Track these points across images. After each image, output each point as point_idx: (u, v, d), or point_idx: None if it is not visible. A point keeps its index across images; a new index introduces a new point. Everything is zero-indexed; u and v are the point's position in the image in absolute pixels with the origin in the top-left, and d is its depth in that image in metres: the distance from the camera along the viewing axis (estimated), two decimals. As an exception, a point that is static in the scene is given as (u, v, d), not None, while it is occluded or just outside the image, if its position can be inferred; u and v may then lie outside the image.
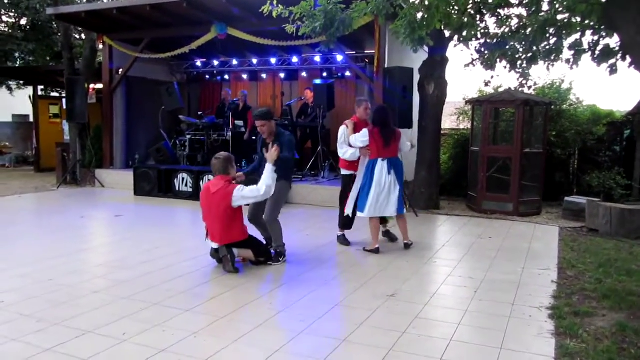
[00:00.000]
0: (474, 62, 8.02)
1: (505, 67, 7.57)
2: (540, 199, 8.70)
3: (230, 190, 4.99)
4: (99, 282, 4.71)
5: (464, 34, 5.59)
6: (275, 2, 5.73)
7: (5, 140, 18.49)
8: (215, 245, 5.21)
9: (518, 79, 8.52)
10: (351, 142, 6.01)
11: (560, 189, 9.59)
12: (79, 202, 9.57)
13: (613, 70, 5.45)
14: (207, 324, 3.72)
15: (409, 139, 8.28)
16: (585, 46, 5.83)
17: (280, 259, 5.41)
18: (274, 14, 5.73)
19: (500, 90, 9.65)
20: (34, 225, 7.29)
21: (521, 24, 5.87)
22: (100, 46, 11.52)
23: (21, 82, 16.47)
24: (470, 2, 8.39)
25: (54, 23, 13.95)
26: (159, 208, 8.91)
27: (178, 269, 5.12)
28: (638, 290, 4.46)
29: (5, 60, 14.48)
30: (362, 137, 5.98)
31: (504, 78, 12.16)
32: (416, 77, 8.94)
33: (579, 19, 5.10)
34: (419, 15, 5.32)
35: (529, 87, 9.41)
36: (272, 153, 5.07)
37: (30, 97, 15.11)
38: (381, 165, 5.90)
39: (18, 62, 16.38)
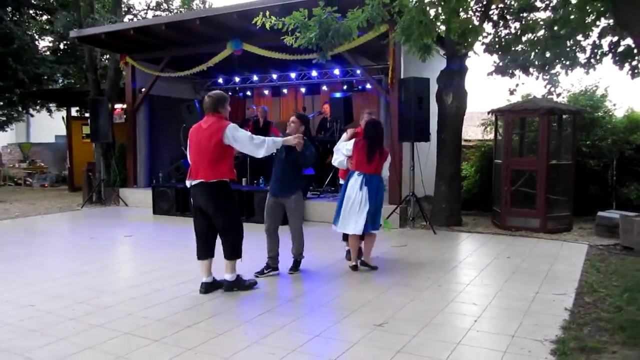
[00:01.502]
0: (494, 71, 7.56)
1: (519, 75, 7.11)
2: (571, 214, 8.08)
3: (223, 125, 4.68)
4: (79, 308, 4.54)
5: (469, 39, 5.17)
6: (267, 14, 5.51)
7: (47, 161, 19.11)
8: (206, 280, 4.94)
9: (545, 86, 7.99)
10: (339, 148, 5.80)
11: (596, 203, 8.89)
12: (97, 222, 9.59)
13: (635, 73, 4.95)
14: (169, 357, 3.46)
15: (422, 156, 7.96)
16: (606, 48, 5.35)
17: (299, 268, 5.65)
18: (267, 25, 5.51)
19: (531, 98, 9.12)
20: (41, 246, 7.26)
21: (530, 27, 5.43)
22: (123, 66, 11.60)
23: (55, 104, 16.88)
24: (475, 7, 8.08)
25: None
26: (173, 228, 8.80)
27: (164, 294, 4.90)
28: (661, 321, 3.92)
29: (39, 83, 14.90)
30: (348, 146, 5.73)
31: (533, 86, 11.50)
32: (434, 88, 8.55)
33: (592, 18, 4.65)
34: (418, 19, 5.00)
35: (558, 95, 8.82)
36: (296, 137, 5.03)
37: (63, 118, 15.50)
38: (355, 179, 5.58)
39: (54, 85, 16.84)
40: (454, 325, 4.03)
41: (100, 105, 11.32)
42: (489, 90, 20.47)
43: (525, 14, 7.41)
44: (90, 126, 11.52)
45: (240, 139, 4.74)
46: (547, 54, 5.08)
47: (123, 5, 16.70)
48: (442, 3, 4.50)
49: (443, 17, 4.96)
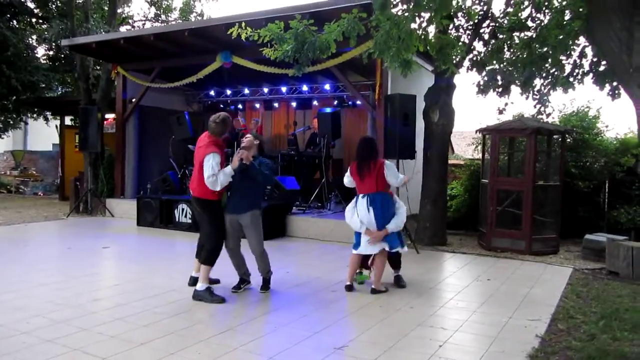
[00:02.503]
0: (477, 91, 7.45)
1: (508, 94, 6.99)
2: (557, 236, 7.90)
3: (207, 151, 4.95)
4: (35, 321, 4.39)
5: (448, 56, 5.07)
6: (243, 25, 5.44)
7: (42, 169, 19.05)
8: (194, 275, 5.36)
9: (535, 106, 7.87)
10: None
11: (586, 225, 8.71)
12: (79, 232, 9.46)
13: (615, 94, 4.83)
14: (112, 377, 3.31)
15: (415, 170, 7.79)
16: (587, 67, 5.24)
17: (269, 286, 5.47)
18: (243, 37, 5.43)
19: (519, 118, 9.01)
20: (15, 256, 7.12)
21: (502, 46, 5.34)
22: (115, 76, 11.55)
23: (49, 112, 16.85)
24: (466, 25, 8.02)
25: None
26: (154, 239, 8.66)
27: (125, 310, 4.75)
28: (632, 353, 3.74)
29: (33, 90, 14.88)
30: (346, 178, 5.66)
31: (525, 105, 11.46)
32: (423, 105, 8.45)
33: (571, 37, 4.54)
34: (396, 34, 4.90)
35: (548, 115, 8.69)
36: (242, 153, 4.97)
37: (56, 126, 15.45)
38: (361, 202, 5.43)
39: (51, 93, 16.83)
40: (416, 350, 3.86)
41: (90, 114, 11.26)
42: (482, 108, 20.42)
43: (516, 33, 7.35)
44: (80, 135, 11.46)
45: (207, 167, 4.94)
46: (524, 73, 4.95)
47: (123, 16, 16.79)
48: (418, 18, 4.40)
49: (420, 32, 4.88)
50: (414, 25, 4.82)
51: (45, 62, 15.94)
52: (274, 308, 4.93)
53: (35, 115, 18.36)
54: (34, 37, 15.55)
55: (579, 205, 8.79)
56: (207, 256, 5.12)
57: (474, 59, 6.72)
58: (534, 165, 7.58)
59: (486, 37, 8.11)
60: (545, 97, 7.56)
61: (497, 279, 6.19)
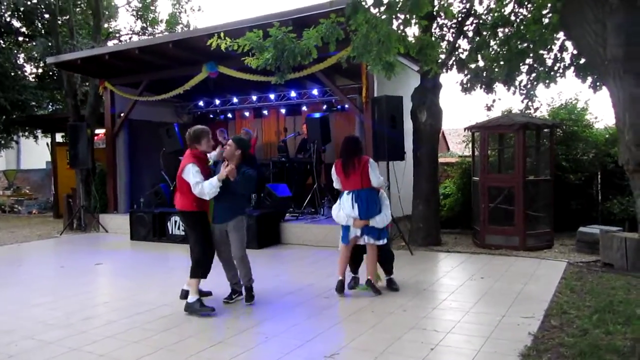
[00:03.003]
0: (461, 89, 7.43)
1: (495, 90, 6.97)
2: (551, 230, 7.89)
3: (185, 163, 4.99)
4: (24, 343, 4.34)
5: (428, 56, 5.06)
6: (222, 35, 5.41)
7: (36, 187, 18.98)
8: (186, 287, 5.21)
9: (523, 101, 7.86)
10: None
11: (580, 218, 8.69)
12: (72, 249, 9.41)
13: (596, 86, 4.82)
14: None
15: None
16: (568, 61, 5.23)
17: (253, 294, 5.31)
18: (222, 47, 5.41)
19: (514, 113, 8.98)
20: (7, 277, 7.05)
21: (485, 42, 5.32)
22: (102, 91, 11.52)
23: (40, 130, 16.82)
24: (450, 23, 8.00)
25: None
26: (147, 254, 8.62)
27: (115, 327, 4.69)
28: (624, 346, 3.71)
29: (22, 109, 14.84)
30: (334, 179, 5.66)
31: (514, 101, 11.45)
32: (410, 106, 8.43)
33: (548, 32, 4.52)
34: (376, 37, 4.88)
35: (536, 109, 8.71)
36: (228, 169, 4.90)
37: (48, 144, 15.40)
38: (346, 199, 5.45)
39: (41, 111, 16.79)
40: (408, 354, 3.83)
41: (79, 131, 11.22)
42: (474, 105, 20.41)
43: (500, 29, 7.34)
44: (70, 152, 11.42)
45: (190, 178, 4.94)
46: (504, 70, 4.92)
47: (110, 31, 16.77)
48: (395, 20, 4.38)
49: (399, 33, 4.86)
50: (394, 27, 4.82)
51: (34, 80, 15.90)
52: (265, 318, 4.88)
53: (26, 134, 18.32)
54: (21, 55, 15.51)
55: (571, 199, 8.78)
56: (192, 268, 5.09)
57: (458, 57, 6.70)
58: (523, 161, 7.57)
59: (470, 34, 8.11)
60: (532, 92, 7.56)
61: (491, 276, 6.16)
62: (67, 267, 7.70)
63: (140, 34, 16.72)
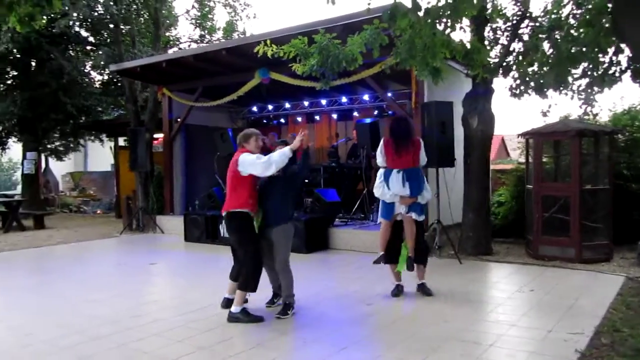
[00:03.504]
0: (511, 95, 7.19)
1: (551, 95, 6.71)
2: (610, 242, 7.51)
3: (237, 155, 4.91)
4: (75, 338, 4.54)
5: (475, 61, 4.95)
6: (269, 42, 5.52)
7: (101, 188, 19.94)
8: (228, 296, 5.23)
9: (581, 106, 7.55)
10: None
11: (644, 230, 8.25)
12: (129, 249, 9.81)
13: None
14: (139, 394, 3.39)
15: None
16: (625, 64, 4.99)
17: (289, 312, 5.02)
18: (269, 54, 5.51)
19: (570, 119, 8.65)
20: (66, 274, 7.43)
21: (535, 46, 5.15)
22: (161, 97, 11.97)
23: (104, 134, 17.64)
24: (505, 26, 7.79)
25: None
26: (199, 255, 8.87)
27: (162, 325, 4.86)
28: (678, 368, 3.49)
29: (88, 114, 15.63)
30: (381, 154, 5.68)
31: (573, 107, 10.96)
32: (461, 111, 8.28)
33: (602, 35, 4.33)
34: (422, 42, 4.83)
35: (595, 115, 8.31)
36: (301, 138, 4.85)
37: (111, 148, 16.13)
38: (396, 177, 5.51)
39: (106, 117, 17.61)
40: (446, 366, 3.76)
41: (139, 135, 11.68)
42: (534, 110, 19.71)
43: (556, 32, 7.09)
44: (130, 156, 11.90)
45: (248, 161, 4.85)
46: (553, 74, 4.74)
47: (171, 39, 17.39)
48: (439, 24, 4.32)
49: (444, 38, 4.79)
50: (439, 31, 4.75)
51: (99, 87, 16.70)
52: (306, 322, 4.91)
53: (92, 138, 19.27)
54: (88, 64, 16.31)
55: (633, 209, 8.32)
56: (244, 281, 4.92)
57: (502, 62, 6.50)
58: (579, 169, 7.26)
59: (526, 38, 7.87)
60: (592, 97, 7.24)
61: (542, 289, 5.93)
62: (122, 266, 8.04)
63: (199, 41, 17.22)
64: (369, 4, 4.31)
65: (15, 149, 19.51)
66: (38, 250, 9.67)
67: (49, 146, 19.36)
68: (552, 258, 7.44)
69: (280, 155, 4.80)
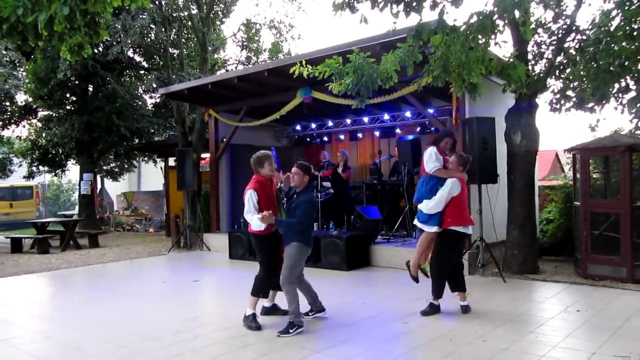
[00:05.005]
0: (554, 107, 7.00)
1: (599, 110, 6.52)
2: (666, 261, 7.14)
3: (247, 188, 5.31)
4: (121, 352, 4.72)
5: (511, 76, 4.89)
6: (304, 63, 5.62)
7: (153, 207, 20.61)
8: (267, 304, 5.66)
9: (632, 120, 7.27)
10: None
11: None
12: (176, 266, 10.07)
13: None
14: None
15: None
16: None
17: (291, 331, 5.00)
18: (305, 74, 5.61)
19: (619, 134, 8.33)
20: (113, 291, 7.69)
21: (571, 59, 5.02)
22: (207, 118, 12.32)
23: (155, 155, 18.26)
24: (549, 40, 7.62)
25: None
26: (242, 272, 8.98)
27: (200, 342, 4.96)
28: None
29: (140, 136, 16.26)
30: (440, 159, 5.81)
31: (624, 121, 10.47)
32: (503, 127, 8.13)
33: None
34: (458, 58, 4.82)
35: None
36: (262, 216, 5.04)
37: (161, 168, 16.67)
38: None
39: (157, 138, 18.26)
40: (480, 387, 3.67)
41: (186, 155, 12.04)
42: (582, 126, 18.99)
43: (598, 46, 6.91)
44: (178, 175, 12.26)
45: (246, 203, 5.26)
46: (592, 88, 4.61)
47: (219, 61, 17.95)
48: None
49: (479, 54, 4.77)
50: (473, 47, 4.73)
51: (151, 109, 17.37)
52: (342, 340, 4.90)
53: (145, 159, 19.99)
54: (141, 87, 17.02)
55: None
56: (253, 286, 5.37)
57: (536, 77, 6.35)
58: (630, 185, 6.96)
59: (572, 52, 7.68)
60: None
61: (589, 310, 5.70)
62: (167, 283, 8.26)
63: (245, 63, 17.67)
64: (394, 22, 4.34)
65: (74, 170, 20.51)
66: (91, 267, 10.07)
67: (104, 167, 20.26)
68: (602, 277, 7.15)
69: (256, 224, 5.15)
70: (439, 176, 5.66)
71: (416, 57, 4.96)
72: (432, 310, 5.69)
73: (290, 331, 5.01)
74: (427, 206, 5.63)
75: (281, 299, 5.46)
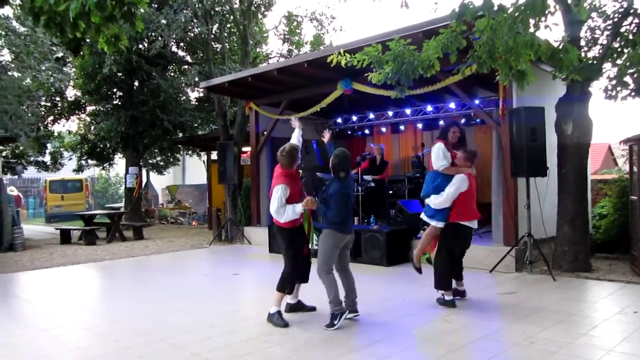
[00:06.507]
0: (609, 94, 6.55)
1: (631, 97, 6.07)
2: None
3: (277, 182, 5.13)
4: (157, 345, 4.70)
5: (562, 61, 4.57)
6: (342, 52, 5.44)
7: (197, 201, 20.91)
8: (291, 300, 5.55)
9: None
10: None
11: None
12: (216, 259, 10.11)
13: None
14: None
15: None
16: None
17: (335, 322, 4.95)
18: (342, 63, 5.44)
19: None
20: (155, 283, 7.75)
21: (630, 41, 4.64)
22: (248, 111, 12.31)
23: (198, 149, 18.46)
24: (604, 25, 7.16)
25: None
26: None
27: (236, 337, 4.91)
28: None
29: (183, 130, 16.45)
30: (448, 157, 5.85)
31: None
32: (553, 117, 7.73)
33: None
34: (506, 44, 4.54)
35: None
36: (306, 201, 5.00)
37: (204, 161, 16.83)
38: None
39: (200, 131, 18.46)
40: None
41: (227, 149, 12.07)
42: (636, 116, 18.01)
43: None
44: (218, 169, 12.31)
45: (273, 194, 5.12)
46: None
47: (261, 55, 17.96)
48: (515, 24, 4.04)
49: (528, 38, 4.47)
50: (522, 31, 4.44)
51: (194, 103, 17.56)
52: (380, 338, 4.72)
53: (190, 152, 20.26)
54: (188, 81, 17.23)
55: None
56: (279, 282, 5.28)
57: (587, 62, 5.94)
58: (693, 178, 6.49)
59: (631, 36, 7.19)
60: None
61: (648, 311, 5.33)
62: (208, 276, 8.28)
63: (287, 56, 17.60)
64: (436, 2, 4.11)
65: (121, 164, 21.00)
66: (134, 259, 10.23)
67: (150, 161, 20.66)
68: (661, 277, 6.70)
69: (293, 213, 5.04)
70: (448, 174, 5.68)
71: (460, 43, 4.70)
72: (447, 304, 5.68)
73: (335, 322, 4.94)
74: (435, 201, 5.70)
75: (305, 294, 5.44)
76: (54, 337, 5.08)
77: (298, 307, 5.63)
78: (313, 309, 5.57)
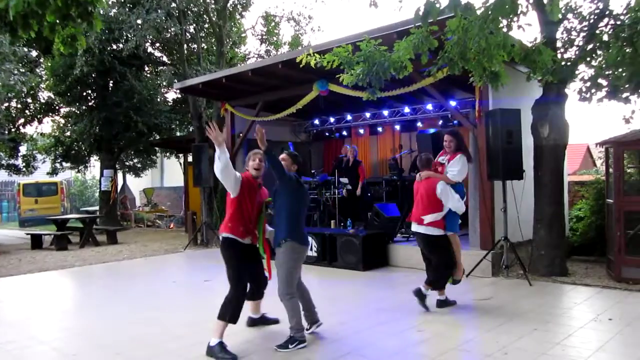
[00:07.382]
0: (583, 96, 6.46)
1: (635, 100, 5.99)
2: None
3: None
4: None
5: (536, 63, 4.45)
6: (311, 52, 5.27)
7: (175, 203, 20.58)
8: (252, 315, 5.25)
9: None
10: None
11: None
12: (189, 265, 9.86)
13: None
14: None
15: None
16: None
17: (290, 346, 4.49)
18: (312, 64, 5.26)
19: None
20: (120, 292, 7.41)
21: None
22: (224, 113, 12.07)
23: (174, 151, 18.14)
24: (580, 27, 7.08)
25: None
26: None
27: (200, 349, 4.66)
28: None
29: (159, 132, 16.12)
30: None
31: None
32: (530, 119, 7.63)
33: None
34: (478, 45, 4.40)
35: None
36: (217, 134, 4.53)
37: (180, 164, 16.53)
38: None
39: (175, 133, 18.14)
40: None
41: (202, 151, 11.81)
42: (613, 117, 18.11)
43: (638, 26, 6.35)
44: (194, 171, 12.05)
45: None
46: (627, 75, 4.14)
47: (239, 55, 17.69)
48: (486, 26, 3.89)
49: (500, 39, 4.34)
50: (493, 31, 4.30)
51: (170, 105, 17.23)
52: (350, 350, 4.53)
53: (167, 154, 19.90)
54: (162, 83, 16.89)
55: None
56: (220, 308, 4.54)
57: (563, 64, 5.86)
58: (668, 181, 6.43)
59: (605, 38, 7.12)
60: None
61: (622, 318, 5.23)
62: (178, 283, 8.03)
63: (265, 57, 17.36)
64: (400, 1, 3.95)
65: (98, 166, 20.55)
66: (105, 265, 9.91)
67: (127, 163, 20.25)
68: (636, 281, 6.63)
69: (217, 153, 4.58)
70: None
71: (431, 44, 4.54)
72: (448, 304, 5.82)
73: (290, 346, 4.48)
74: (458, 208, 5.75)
75: (266, 307, 5.18)
76: (7, 352, 4.80)
77: (261, 321, 5.29)
78: (277, 321, 5.31)
